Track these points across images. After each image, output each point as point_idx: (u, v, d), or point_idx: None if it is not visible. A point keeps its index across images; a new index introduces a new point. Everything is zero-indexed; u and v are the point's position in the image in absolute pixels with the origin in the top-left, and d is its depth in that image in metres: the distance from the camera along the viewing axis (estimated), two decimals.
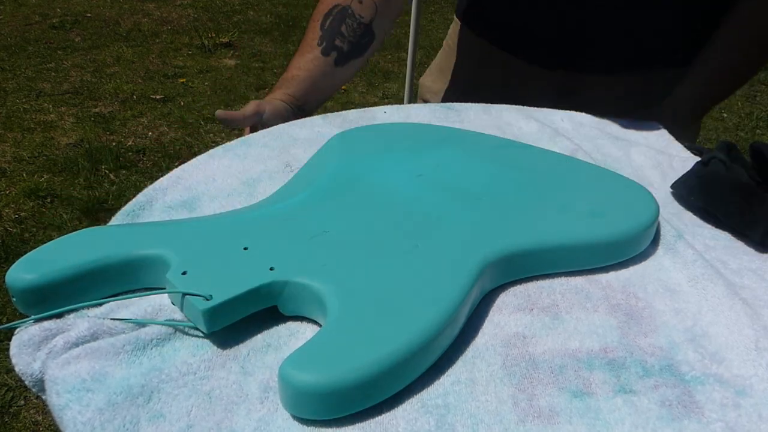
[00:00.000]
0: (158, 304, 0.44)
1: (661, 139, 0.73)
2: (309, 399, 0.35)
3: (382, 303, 0.40)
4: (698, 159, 0.61)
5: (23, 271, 0.42)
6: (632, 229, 0.49)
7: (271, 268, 0.42)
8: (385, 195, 0.52)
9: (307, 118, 0.72)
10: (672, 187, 0.60)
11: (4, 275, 0.42)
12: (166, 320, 0.42)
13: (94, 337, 0.40)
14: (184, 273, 0.42)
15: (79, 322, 0.41)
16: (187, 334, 0.42)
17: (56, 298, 0.42)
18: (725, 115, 2.67)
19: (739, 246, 0.53)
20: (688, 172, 0.59)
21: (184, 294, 0.41)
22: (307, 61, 0.76)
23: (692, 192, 0.57)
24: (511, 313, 0.45)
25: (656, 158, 0.67)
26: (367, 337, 0.38)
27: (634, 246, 0.50)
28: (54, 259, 0.43)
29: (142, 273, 0.44)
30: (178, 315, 0.43)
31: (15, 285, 0.42)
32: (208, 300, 0.40)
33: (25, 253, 0.44)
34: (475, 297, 0.44)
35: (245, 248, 0.44)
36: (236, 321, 0.41)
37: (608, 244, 0.48)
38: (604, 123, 0.76)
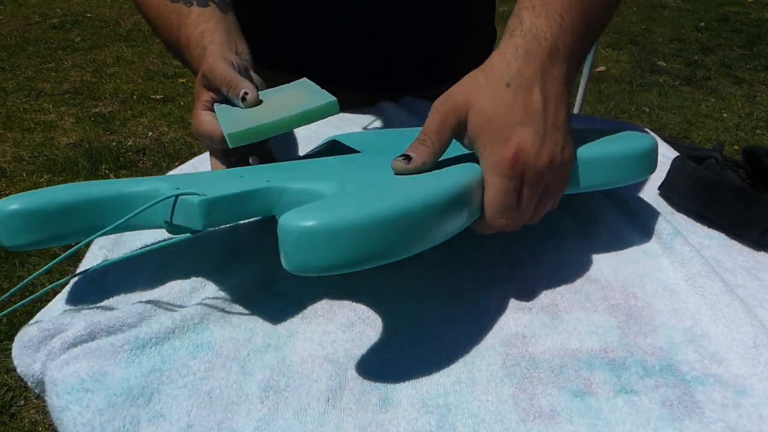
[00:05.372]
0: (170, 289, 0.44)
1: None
2: (311, 240, 0.34)
3: (383, 186, 0.40)
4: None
5: (7, 202, 0.40)
6: (641, 146, 0.50)
7: (268, 181, 0.43)
8: (381, 155, 0.51)
9: None
10: (660, 189, 0.60)
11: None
12: (165, 240, 0.42)
13: (91, 336, 0.40)
14: (177, 189, 0.41)
15: (76, 321, 0.41)
16: (186, 333, 0.42)
17: (45, 230, 0.41)
18: (725, 115, 2.67)
19: (733, 245, 0.53)
20: (671, 171, 0.59)
21: (178, 195, 0.40)
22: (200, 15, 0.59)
23: (684, 197, 0.57)
24: (510, 313, 0.45)
25: None
26: (368, 198, 0.37)
27: (644, 163, 0.50)
28: (40, 194, 0.42)
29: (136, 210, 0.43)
30: (191, 305, 0.43)
31: None
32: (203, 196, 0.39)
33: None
34: (478, 199, 0.42)
35: (241, 176, 0.45)
36: (235, 315, 0.41)
37: (621, 157, 0.48)
38: (585, 122, 0.76)
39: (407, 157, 0.42)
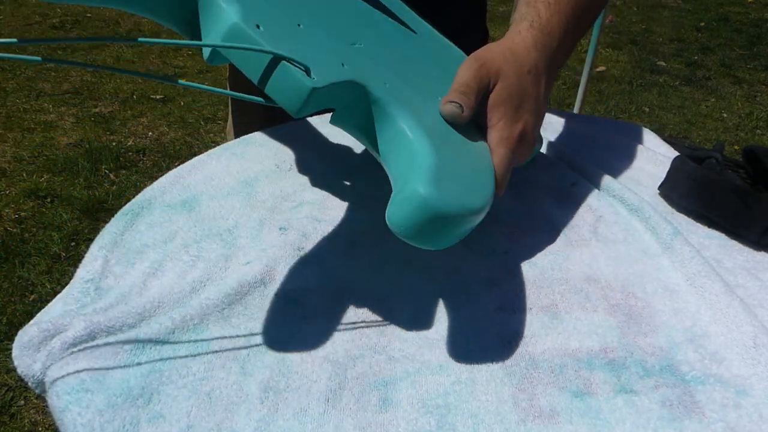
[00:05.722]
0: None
1: (646, 137, 0.72)
2: (435, 221, 0.36)
3: (468, 150, 0.42)
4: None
5: None
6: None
7: (343, 64, 0.39)
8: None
9: (303, 119, 0.72)
10: (660, 189, 0.60)
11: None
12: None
13: (91, 336, 0.40)
14: (258, 27, 0.35)
15: (76, 322, 0.41)
16: (186, 334, 0.42)
17: None
18: (725, 115, 2.67)
19: (733, 245, 0.53)
20: (671, 171, 0.59)
21: (281, 58, 0.34)
22: None
23: (684, 197, 0.57)
24: (510, 313, 0.45)
25: (642, 158, 0.67)
26: (469, 176, 0.40)
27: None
28: None
29: None
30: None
31: None
32: (309, 76, 0.34)
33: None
34: None
35: (299, 24, 0.39)
36: (235, 316, 0.41)
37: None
38: (586, 122, 0.76)
39: (461, 107, 0.44)
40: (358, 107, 0.40)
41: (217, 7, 0.35)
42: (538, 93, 0.47)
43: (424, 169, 0.37)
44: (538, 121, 0.48)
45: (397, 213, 0.36)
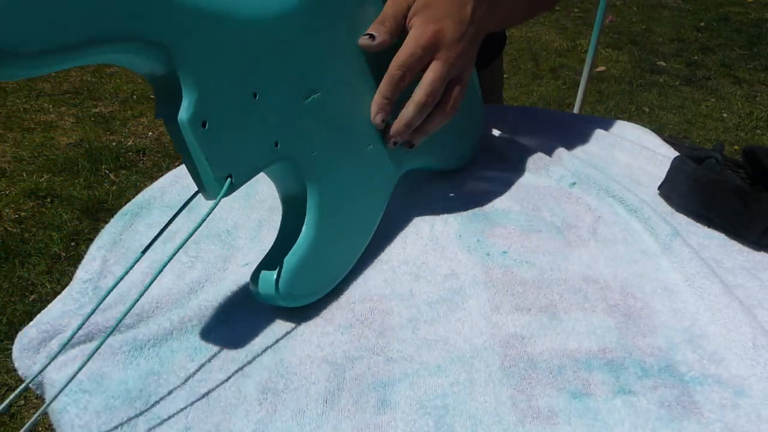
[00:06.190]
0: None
1: (646, 137, 0.72)
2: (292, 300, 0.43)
3: (345, 222, 0.47)
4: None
5: None
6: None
7: (276, 144, 0.41)
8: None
9: None
10: (659, 189, 0.60)
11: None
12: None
13: (89, 337, 0.40)
14: (204, 125, 0.36)
15: (75, 323, 0.41)
16: (184, 335, 0.42)
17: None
18: (725, 115, 2.67)
19: (733, 245, 0.53)
20: (671, 171, 0.59)
21: (204, 164, 0.36)
22: None
23: (684, 197, 0.57)
24: (508, 314, 0.45)
25: (642, 158, 0.67)
26: (333, 260, 0.46)
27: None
28: None
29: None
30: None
31: None
32: (228, 177, 0.38)
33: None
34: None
35: (255, 94, 0.39)
36: (233, 317, 0.41)
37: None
38: (585, 122, 0.76)
39: (372, 36, 0.47)
40: (281, 169, 0.43)
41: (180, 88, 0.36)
42: (462, 8, 0.49)
43: (290, 266, 0.43)
44: (460, 31, 0.48)
45: (255, 283, 0.43)
